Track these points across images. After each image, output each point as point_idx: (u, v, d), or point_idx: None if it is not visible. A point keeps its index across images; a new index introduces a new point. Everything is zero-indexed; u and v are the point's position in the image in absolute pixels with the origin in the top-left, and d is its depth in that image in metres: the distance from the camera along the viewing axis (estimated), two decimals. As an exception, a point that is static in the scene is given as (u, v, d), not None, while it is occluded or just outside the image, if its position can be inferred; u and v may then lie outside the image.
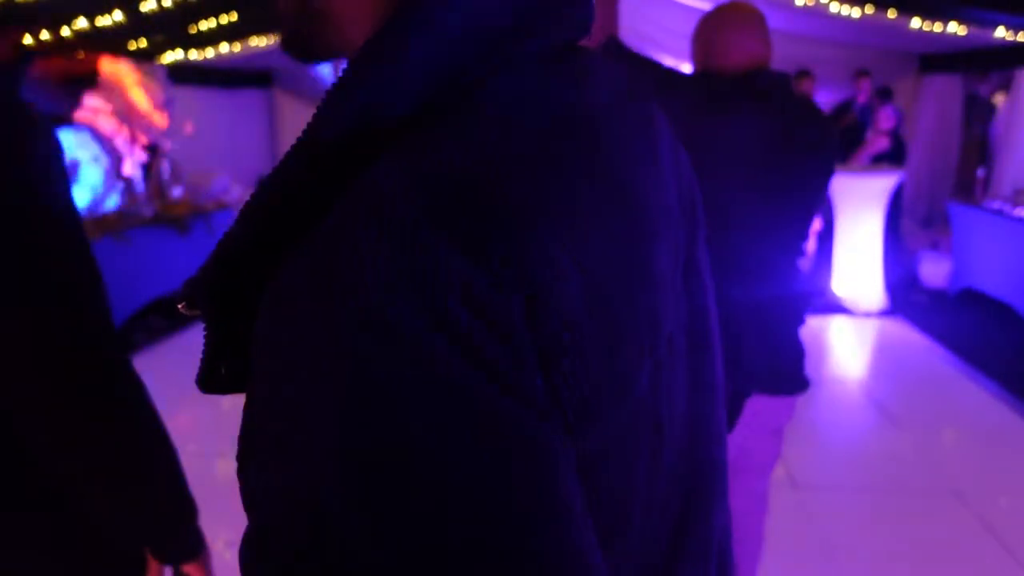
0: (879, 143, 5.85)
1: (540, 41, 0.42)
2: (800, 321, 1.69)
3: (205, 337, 0.39)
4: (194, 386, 0.41)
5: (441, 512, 0.30)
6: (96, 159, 4.87)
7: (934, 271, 5.74)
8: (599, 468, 0.39)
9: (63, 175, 0.78)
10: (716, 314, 0.61)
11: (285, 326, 0.32)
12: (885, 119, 5.85)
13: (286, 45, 0.47)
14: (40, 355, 0.74)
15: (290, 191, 0.37)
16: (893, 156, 5.85)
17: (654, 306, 0.44)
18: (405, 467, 0.30)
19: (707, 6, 6.45)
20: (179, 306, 0.38)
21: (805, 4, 5.64)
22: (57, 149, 0.78)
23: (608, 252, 0.39)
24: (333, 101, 0.38)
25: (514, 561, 0.31)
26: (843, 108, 6.79)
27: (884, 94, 6.59)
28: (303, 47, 0.47)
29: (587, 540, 0.34)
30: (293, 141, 0.39)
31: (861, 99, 6.69)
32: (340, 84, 0.38)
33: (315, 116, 0.38)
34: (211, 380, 0.39)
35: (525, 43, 0.41)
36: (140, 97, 5.18)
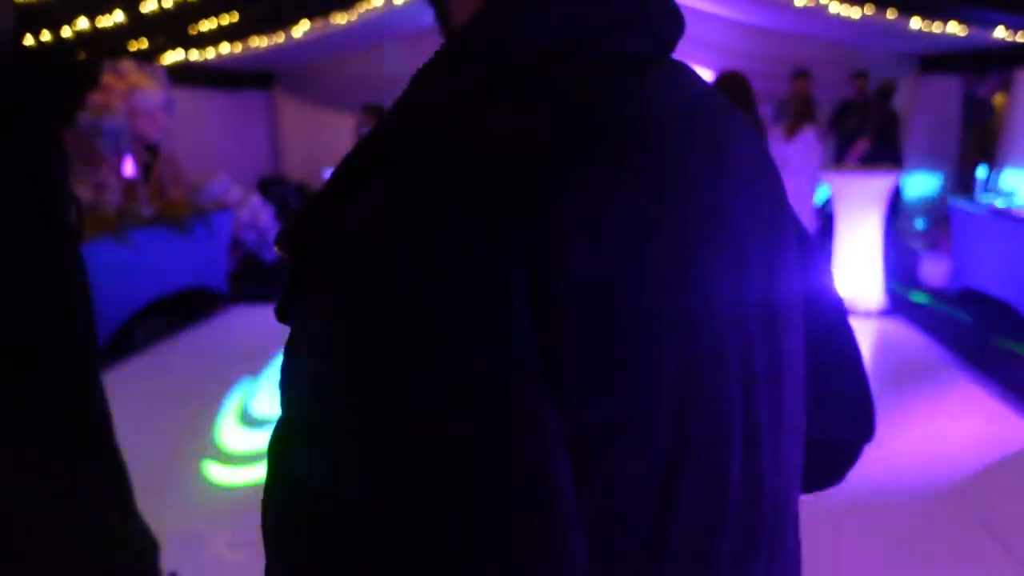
0: (863, 144, 5.89)
1: (617, 46, 0.47)
2: None
3: (285, 275, 0.44)
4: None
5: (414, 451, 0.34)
6: (99, 158, 4.87)
7: (934, 271, 5.75)
8: (594, 448, 0.39)
9: (55, 193, 0.78)
10: (801, 343, 0.56)
11: (317, 260, 0.39)
12: (875, 119, 5.89)
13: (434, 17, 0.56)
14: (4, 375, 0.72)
15: (365, 154, 0.43)
16: (888, 157, 5.86)
17: (685, 308, 0.43)
18: (383, 387, 0.35)
19: (709, 7, 6.46)
20: (275, 247, 0.44)
21: (805, 5, 5.65)
22: (56, 167, 0.77)
23: (635, 245, 0.41)
24: (417, 80, 0.44)
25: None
26: (844, 108, 6.78)
27: (883, 93, 6.59)
28: (440, 23, 0.54)
29: (567, 513, 0.36)
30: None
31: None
32: (427, 65, 0.45)
33: (404, 91, 0.44)
34: (286, 312, 0.44)
35: (601, 45, 0.46)
36: (141, 98, 5.18)
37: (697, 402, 0.44)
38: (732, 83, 3.77)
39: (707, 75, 7.30)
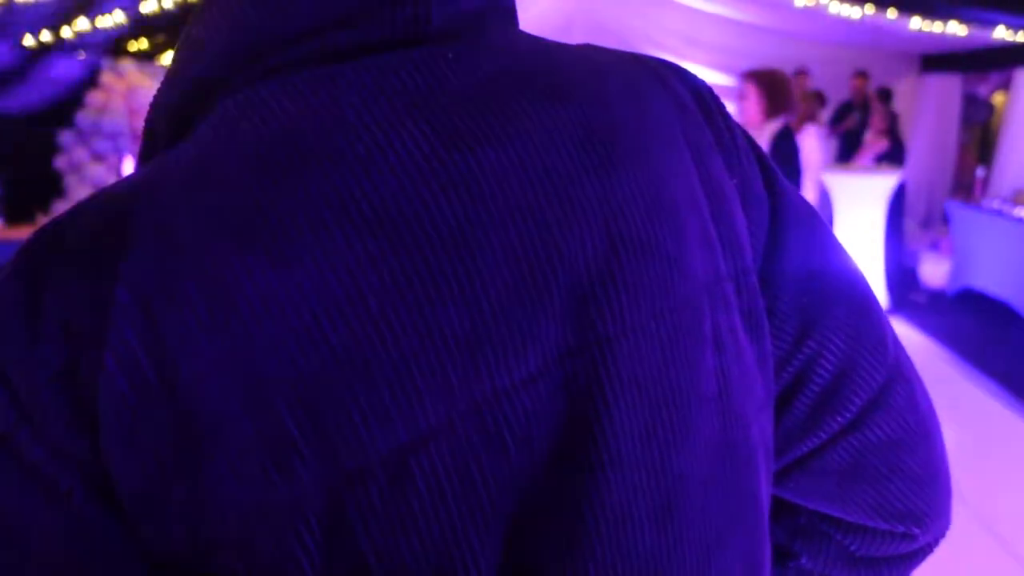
0: (880, 144, 5.86)
1: (332, 41, 0.38)
2: None
3: None
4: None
5: None
6: (98, 158, 4.87)
7: (934, 271, 5.75)
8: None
9: None
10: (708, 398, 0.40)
11: None
12: (880, 120, 5.87)
13: None
14: None
15: None
16: (893, 156, 5.87)
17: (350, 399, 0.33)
18: None
19: (709, 7, 6.46)
20: None
21: (805, 5, 5.65)
22: None
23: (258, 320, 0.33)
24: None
25: None
26: (844, 109, 6.79)
27: (884, 95, 6.60)
28: None
29: None
30: None
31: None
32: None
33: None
34: None
35: (310, 43, 0.38)
36: (141, 98, 5.18)
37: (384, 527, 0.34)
38: (771, 80, 3.53)
39: (706, 76, 7.29)
